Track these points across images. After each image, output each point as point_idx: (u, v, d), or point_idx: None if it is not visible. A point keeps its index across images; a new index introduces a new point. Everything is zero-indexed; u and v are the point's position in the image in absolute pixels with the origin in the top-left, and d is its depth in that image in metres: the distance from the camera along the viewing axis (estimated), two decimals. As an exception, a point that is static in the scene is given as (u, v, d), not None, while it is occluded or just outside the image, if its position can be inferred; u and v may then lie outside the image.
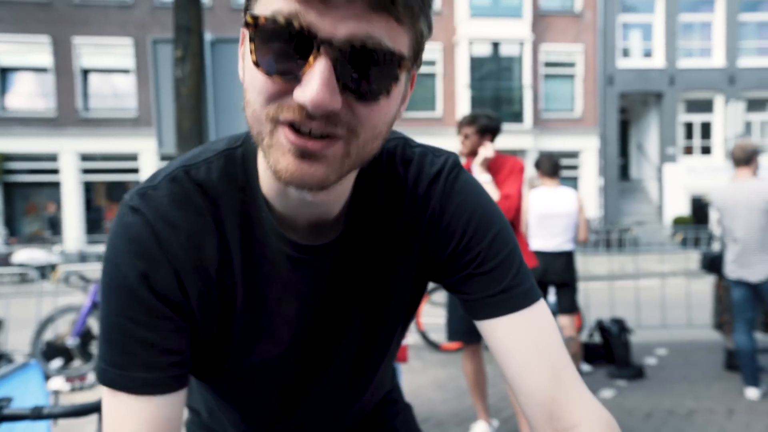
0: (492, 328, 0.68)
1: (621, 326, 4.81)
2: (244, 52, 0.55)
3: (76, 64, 15.31)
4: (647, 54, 17.81)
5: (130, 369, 0.60)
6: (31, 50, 15.24)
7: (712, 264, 4.71)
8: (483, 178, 3.00)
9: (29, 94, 15.49)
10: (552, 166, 4.03)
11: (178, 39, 4.46)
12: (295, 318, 0.70)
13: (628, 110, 19.08)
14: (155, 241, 0.61)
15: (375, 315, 0.74)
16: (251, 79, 0.53)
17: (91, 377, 4.50)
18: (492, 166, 3.04)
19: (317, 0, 0.48)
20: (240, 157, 0.66)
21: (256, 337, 0.69)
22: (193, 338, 0.66)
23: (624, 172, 18.89)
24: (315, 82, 0.48)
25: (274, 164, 0.54)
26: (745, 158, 3.81)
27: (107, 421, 0.61)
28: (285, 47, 0.50)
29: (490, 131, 3.06)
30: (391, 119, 0.58)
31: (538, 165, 4.10)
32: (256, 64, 0.51)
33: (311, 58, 0.49)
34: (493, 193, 2.94)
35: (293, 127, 0.51)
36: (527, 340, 0.67)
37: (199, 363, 0.69)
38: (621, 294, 6.46)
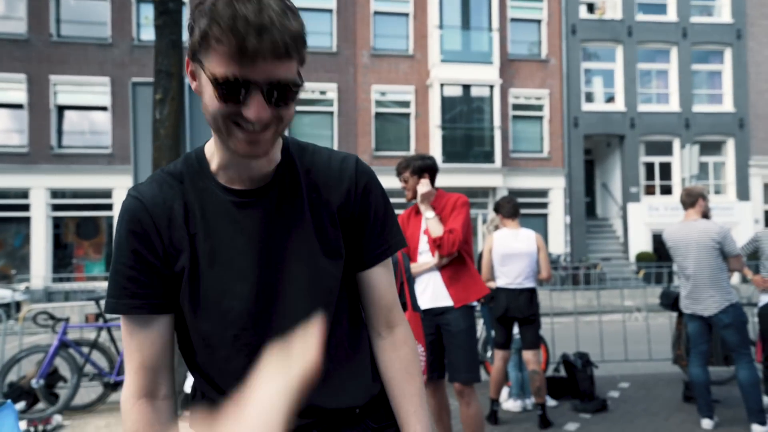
0: (374, 273, 1.07)
1: (585, 360, 4.93)
2: (198, 78, 0.87)
3: (51, 101, 15.27)
4: (609, 98, 18.66)
5: (122, 297, 0.92)
6: (6, 87, 15.17)
7: (670, 300, 4.91)
8: (428, 215, 3.10)
9: (1, 130, 15.32)
10: (511, 209, 4.23)
11: (158, 82, 4.59)
12: (247, 249, 0.96)
13: (593, 151, 19.81)
14: (141, 207, 0.94)
15: (307, 245, 1.00)
16: (210, 96, 0.85)
17: (56, 419, 4.40)
18: (437, 203, 3.16)
19: (249, 64, 0.80)
20: (194, 152, 1.01)
21: (219, 267, 0.95)
22: (170, 274, 0.95)
23: (590, 210, 19.44)
24: (254, 107, 0.83)
25: (234, 147, 0.88)
26: (690, 201, 4.07)
27: (123, 337, 0.95)
28: (233, 86, 0.82)
29: (425, 170, 3.17)
30: (294, 109, 0.92)
31: (497, 208, 4.29)
32: (218, 96, 0.83)
33: (250, 92, 0.82)
34: (438, 228, 3.05)
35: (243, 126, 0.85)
36: (385, 278, 1.09)
37: (182, 296, 0.95)
38: (586, 329, 6.63)
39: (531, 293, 4.17)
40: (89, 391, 4.90)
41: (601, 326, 6.11)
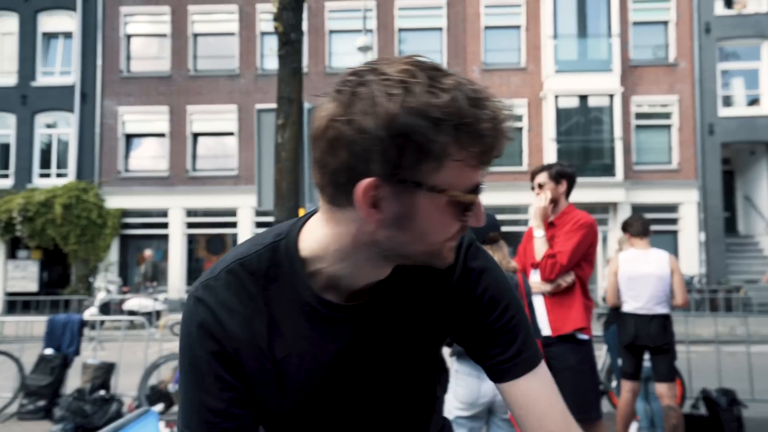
0: (511, 389, 0.83)
1: (732, 398, 4.40)
2: (408, 204, 0.69)
3: (188, 129, 16.99)
4: (753, 101, 16.75)
5: None
6: (152, 119, 17.13)
7: None
8: (537, 233, 2.96)
9: (148, 157, 17.31)
10: (641, 227, 3.92)
11: (280, 108, 4.90)
12: (337, 372, 0.82)
13: (733, 160, 17.83)
14: (218, 325, 0.76)
15: (401, 369, 0.85)
16: (442, 225, 0.71)
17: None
18: (562, 220, 2.99)
19: (483, 168, 0.70)
20: (284, 247, 0.79)
21: (308, 390, 0.81)
22: (257, 404, 0.80)
23: (730, 226, 17.44)
24: (479, 212, 0.72)
25: (441, 262, 0.75)
26: None
27: None
28: (471, 200, 0.71)
29: (564, 177, 3.01)
30: None
31: (626, 227, 4.00)
32: (455, 214, 0.71)
33: (479, 198, 0.72)
34: (541, 250, 2.89)
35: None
36: (542, 395, 0.83)
37: (270, 423, 0.83)
38: (729, 361, 5.90)
39: (664, 320, 3.80)
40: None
41: (749, 359, 5.40)
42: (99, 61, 16.93)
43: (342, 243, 0.74)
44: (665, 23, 16.69)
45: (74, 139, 16.80)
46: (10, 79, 16.89)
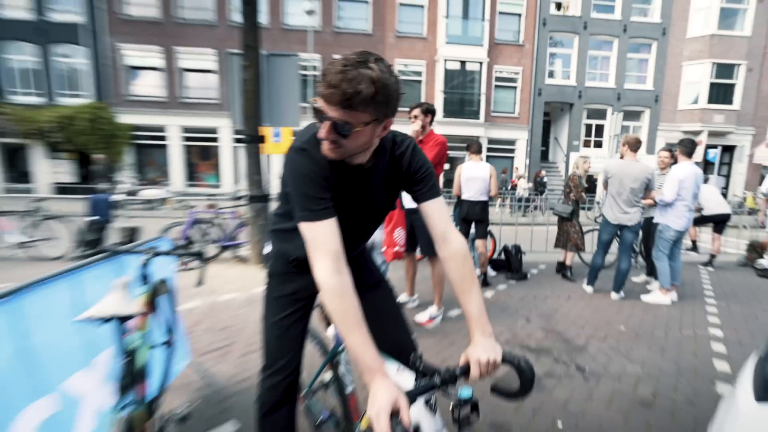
0: (426, 206, 1.16)
1: (518, 249, 5.10)
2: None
3: (178, 65, 15.07)
4: (566, 76, 17.43)
5: (322, 208, 1.01)
6: (148, 56, 14.95)
7: (567, 211, 4.86)
8: None
9: (148, 86, 15.31)
10: (476, 147, 4.25)
11: (246, 54, 4.58)
12: (359, 198, 1.16)
13: (550, 114, 18.84)
14: (316, 160, 1.03)
15: (386, 197, 1.21)
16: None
17: (192, 265, 4.86)
18: (427, 139, 3.09)
19: (326, 104, 0.95)
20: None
21: (347, 205, 1.13)
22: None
23: (544, 156, 18.85)
24: (322, 129, 0.99)
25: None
26: (637, 147, 3.99)
27: (313, 241, 1.00)
28: (320, 114, 0.98)
29: (431, 112, 3.11)
30: (365, 140, 1.03)
31: (468, 147, 4.31)
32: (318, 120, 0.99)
33: (324, 121, 0.98)
34: None
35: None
36: (439, 210, 1.16)
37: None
38: (526, 233, 6.80)
39: (484, 204, 4.28)
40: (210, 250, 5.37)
41: (533, 231, 6.25)
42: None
43: None
44: (519, 15, 16.47)
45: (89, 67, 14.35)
46: None
